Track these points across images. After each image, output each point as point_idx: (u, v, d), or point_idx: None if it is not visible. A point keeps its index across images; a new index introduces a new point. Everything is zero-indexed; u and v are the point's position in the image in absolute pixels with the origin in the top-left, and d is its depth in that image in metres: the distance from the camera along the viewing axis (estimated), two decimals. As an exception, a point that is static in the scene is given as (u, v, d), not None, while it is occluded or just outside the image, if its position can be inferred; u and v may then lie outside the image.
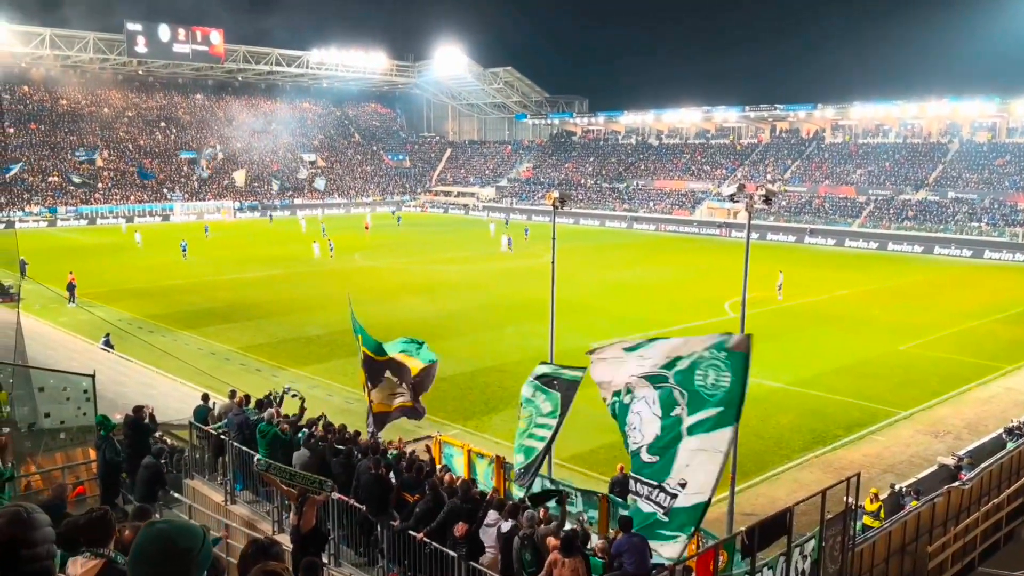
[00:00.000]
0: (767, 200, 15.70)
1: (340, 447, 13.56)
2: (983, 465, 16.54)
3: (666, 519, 9.72)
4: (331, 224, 79.04)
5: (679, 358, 10.06)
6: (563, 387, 12.74)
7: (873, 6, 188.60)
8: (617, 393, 10.68)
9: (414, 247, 64.88)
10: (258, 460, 12.43)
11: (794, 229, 73.65)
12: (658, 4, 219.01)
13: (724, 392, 9.55)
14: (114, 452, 13.16)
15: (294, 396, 17.47)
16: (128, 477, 13.60)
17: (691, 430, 9.69)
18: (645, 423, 10.18)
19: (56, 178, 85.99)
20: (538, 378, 13.19)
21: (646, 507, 9.99)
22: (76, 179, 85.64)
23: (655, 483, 9.92)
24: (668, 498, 9.74)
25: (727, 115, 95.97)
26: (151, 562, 2.69)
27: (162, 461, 12.95)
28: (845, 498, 10.51)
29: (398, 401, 15.74)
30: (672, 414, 9.89)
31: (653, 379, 10.18)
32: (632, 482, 10.46)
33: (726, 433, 9.54)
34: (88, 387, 15.94)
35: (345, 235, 69.66)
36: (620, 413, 10.60)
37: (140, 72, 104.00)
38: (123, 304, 38.71)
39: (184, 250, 54.67)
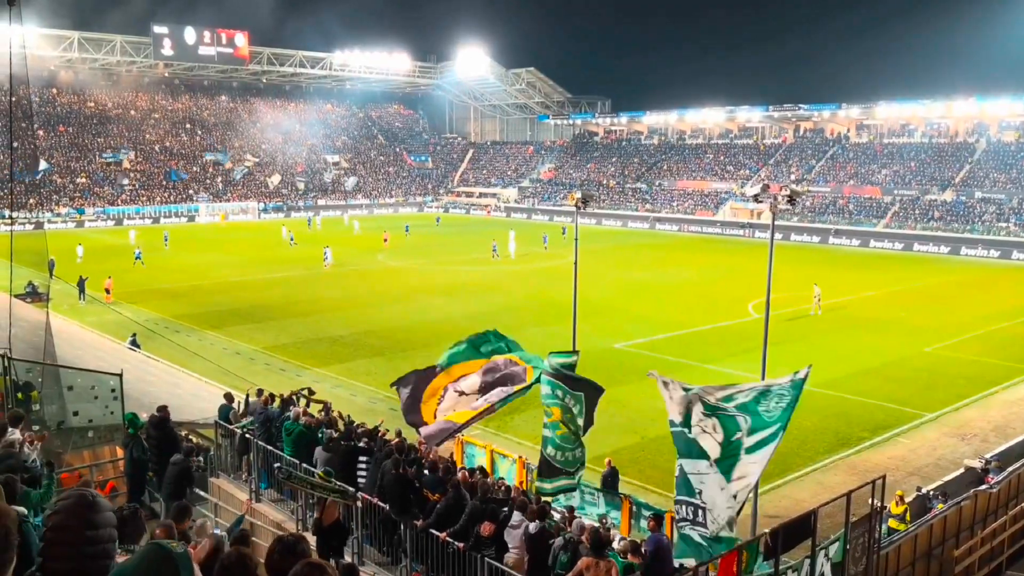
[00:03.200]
0: (791, 200, 15.65)
1: (363, 446, 13.65)
2: (1011, 468, 16.37)
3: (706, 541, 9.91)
4: (363, 225, 79.06)
5: (739, 394, 10.35)
6: (587, 388, 12.62)
7: (899, 3, 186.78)
8: (682, 423, 10.64)
9: (435, 248, 65.01)
10: (279, 468, 12.47)
11: (818, 230, 73.13)
12: (680, 4, 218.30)
13: (782, 412, 10.02)
14: (141, 450, 13.31)
15: (306, 396, 17.59)
16: (155, 475, 13.75)
17: (749, 449, 10.09)
18: (708, 449, 10.32)
19: (84, 179, 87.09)
20: (555, 376, 12.91)
21: (693, 533, 10.11)
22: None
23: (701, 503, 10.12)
24: (711, 522, 9.96)
25: (750, 115, 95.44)
26: None
27: (192, 459, 13.06)
28: (870, 500, 10.44)
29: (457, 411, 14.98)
30: (733, 438, 10.15)
31: (711, 408, 10.32)
32: (678, 507, 10.51)
33: (774, 446, 10.06)
34: (116, 386, 16.12)
35: (351, 238, 69.89)
36: (683, 446, 10.60)
37: (166, 74, 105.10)
38: (149, 304, 39.13)
39: (139, 257, 51.95)
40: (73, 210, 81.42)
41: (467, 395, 14.30)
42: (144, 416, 14.52)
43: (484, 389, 14.15)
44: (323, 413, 16.64)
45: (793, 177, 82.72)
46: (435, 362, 14.99)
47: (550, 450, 12.94)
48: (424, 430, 14.57)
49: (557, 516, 12.02)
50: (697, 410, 10.29)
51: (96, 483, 14.37)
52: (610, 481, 15.98)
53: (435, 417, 14.44)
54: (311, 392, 18.52)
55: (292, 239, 65.00)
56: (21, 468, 7.46)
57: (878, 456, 21.00)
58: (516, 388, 13.93)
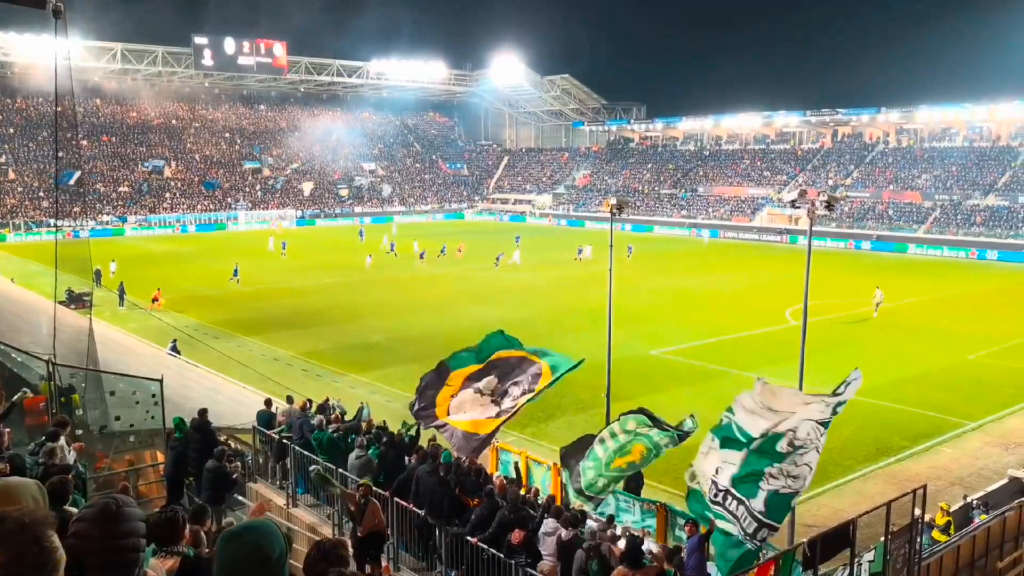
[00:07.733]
0: (829, 206, 15.48)
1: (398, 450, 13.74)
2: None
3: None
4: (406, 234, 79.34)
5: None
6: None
7: (939, 5, 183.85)
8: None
9: (472, 254, 65.11)
10: (314, 470, 12.52)
11: (857, 235, 72.21)
12: (716, 9, 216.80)
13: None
14: (184, 450, 13.37)
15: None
16: (195, 479, 13.94)
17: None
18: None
19: (126, 188, 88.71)
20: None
21: (731, 527, 10.06)
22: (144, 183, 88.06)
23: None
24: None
25: (788, 120, 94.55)
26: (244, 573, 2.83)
27: (224, 463, 13.21)
28: (911, 510, 10.29)
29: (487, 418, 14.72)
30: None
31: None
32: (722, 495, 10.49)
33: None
34: (156, 391, 16.33)
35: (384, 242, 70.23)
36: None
37: (206, 84, 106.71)
38: (189, 310, 39.66)
39: (236, 274, 48.61)
40: (115, 218, 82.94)
41: (484, 394, 14.15)
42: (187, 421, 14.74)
43: (501, 389, 14.02)
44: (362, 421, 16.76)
45: (831, 182, 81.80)
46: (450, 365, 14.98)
47: (591, 475, 12.76)
48: (455, 442, 14.45)
49: (594, 524, 11.97)
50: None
51: (130, 487, 14.60)
52: (634, 484, 15.84)
53: (448, 413, 14.25)
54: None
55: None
56: (70, 471, 7.59)
57: (919, 465, 20.66)
58: (538, 388, 13.85)
